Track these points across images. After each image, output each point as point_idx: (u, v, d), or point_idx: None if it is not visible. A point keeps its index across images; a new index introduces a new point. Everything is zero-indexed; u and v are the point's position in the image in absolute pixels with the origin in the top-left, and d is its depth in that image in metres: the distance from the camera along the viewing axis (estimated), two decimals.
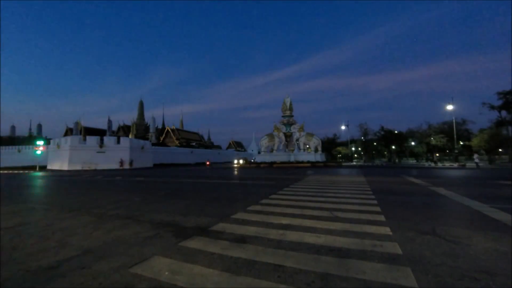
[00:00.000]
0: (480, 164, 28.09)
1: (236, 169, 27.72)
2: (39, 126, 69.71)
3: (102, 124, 66.64)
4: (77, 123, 56.15)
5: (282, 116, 41.41)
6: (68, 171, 30.06)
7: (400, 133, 53.32)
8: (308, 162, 34.34)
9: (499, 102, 35.78)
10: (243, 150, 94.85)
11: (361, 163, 49.09)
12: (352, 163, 45.66)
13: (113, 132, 60.13)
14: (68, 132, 56.40)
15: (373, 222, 4.38)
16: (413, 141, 50.79)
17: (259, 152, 43.92)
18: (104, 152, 35.96)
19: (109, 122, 59.25)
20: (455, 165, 30.91)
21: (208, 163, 50.77)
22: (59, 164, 35.28)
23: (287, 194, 7.70)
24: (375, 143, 56.67)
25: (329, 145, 60.92)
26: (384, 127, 53.75)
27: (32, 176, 21.12)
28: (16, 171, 30.82)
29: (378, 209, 5.45)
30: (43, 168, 35.71)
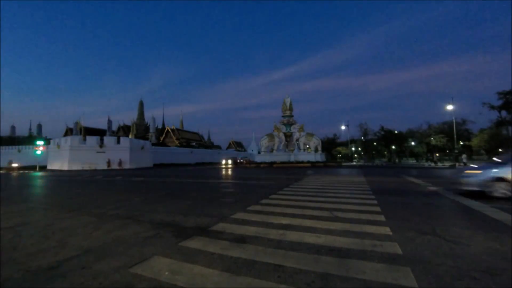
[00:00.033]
0: (468, 164, 29.12)
1: (236, 170, 27.72)
2: (39, 126, 69.78)
3: (102, 124, 66.70)
4: (77, 123, 56.14)
5: (282, 116, 41.43)
6: (68, 171, 30.06)
7: (400, 133, 53.38)
8: (308, 162, 34.36)
9: (499, 102, 35.85)
10: (243, 150, 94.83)
11: (361, 163, 49.09)
12: (352, 163, 45.66)
13: (113, 132, 60.13)
14: (68, 132, 56.40)
15: (373, 222, 4.38)
16: (413, 141, 50.83)
17: (259, 152, 43.94)
18: (104, 152, 35.97)
19: (109, 122, 59.27)
20: (447, 165, 31.51)
21: None
22: (59, 164, 35.29)
23: (287, 194, 7.70)
24: (375, 143, 56.76)
25: (329, 145, 60.98)
26: (384, 127, 53.89)
27: (32, 176, 21.12)
28: (15, 171, 30.81)
29: (378, 209, 5.45)
30: (43, 168, 35.71)
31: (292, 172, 20.35)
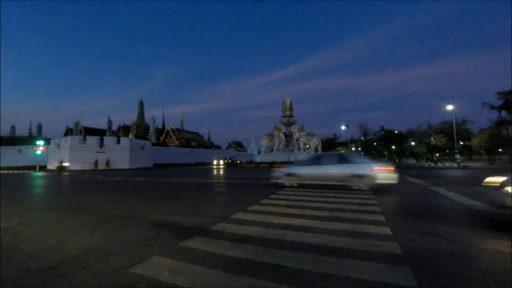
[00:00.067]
0: (462, 164, 29.44)
1: (236, 170, 27.71)
2: (39, 126, 69.70)
3: (102, 124, 66.67)
4: (77, 123, 56.15)
5: (282, 116, 41.43)
6: (68, 171, 30.05)
7: (400, 133, 53.36)
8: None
9: (499, 102, 35.82)
10: (243, 150, 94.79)
11: None
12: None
13: (113, 132, 60.11)
14: (68, 132, 56.39)
15: (373, 222, 4.38)
16: (413, 141, 50.81)
17: (259, 152, 43.92)
18: (104, 152, 35.95)
19: (109, 122, 59.26)
20: (447, 165, 31.72)
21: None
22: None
23: (287, 194, 7.70)
24: (375, 143, 56.73)
25: (329, 145, 60.96)
26: (384, 127, 53.87)
27: (32, 176, 21.12)
28: (16, 171, 30.81)
29: (378, 209, 5.45)
30: (43, 168, 35.69)
31: None
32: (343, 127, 55.73)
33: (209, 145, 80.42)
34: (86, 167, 33.77)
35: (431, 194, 7.66)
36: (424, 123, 55.37)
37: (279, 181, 9.96)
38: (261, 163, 36.71)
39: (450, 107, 32.30)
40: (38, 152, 35.17)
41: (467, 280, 2.32)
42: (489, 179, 5.30)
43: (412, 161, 56.04)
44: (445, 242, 3.34)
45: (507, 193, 3.87)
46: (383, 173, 8.36)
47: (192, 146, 64.79)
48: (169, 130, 66.89)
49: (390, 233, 3.74)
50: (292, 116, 41.41)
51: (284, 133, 39.95)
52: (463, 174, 18.00)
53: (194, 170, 26.90)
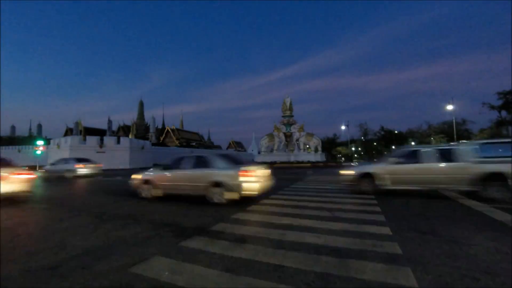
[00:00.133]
0: None
1: None
2: (39, 126, 69.75)
3: (102, 124, 66.66)
4: (77, 123, 56.05)
5: (282, 116, 41.40)
6: None
7: (400, 133, 53.38)
8: (308, 162, 34.34)
9: (499, 102, 35.82)
10: (243, 150, 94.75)
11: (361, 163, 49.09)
12: (352, 163, 45.67)
13: (113, 132, 60.10)
14: (68, 132, 56.37)
15: (373, 222, 4.38)
16: (413, 141, 50.81)
17: (259, 152, 43.90)
18: (104, 152, 35.97)
19: (109, 122, 59.25)
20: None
21: None
22: None
23: (287, 194, 7.70)
24: (375, 143, 56.74)
25: (329, 145, 60.97)
26: (384, 127, 53.93)
27: None
28: None
29: (378, 209, 5.45)
30: (43, 168, 35.69)
31: (292, 172, 20.34)
32: (343, 127, 55.76)
33: (209, 145, 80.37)
34: None
35: (431, 194, 7.65)
36: (424, 123, 55.44)
37: (138, 191, 7.63)
38: (261, 163, 36.66)
39: (450, 107, 32.30)
40: (38, 152, 35.15)
41: (467, 280, 2.32)
42: (343, 171, 8.45)
43: None
44: (445, 242, 3.34)
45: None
46: (249, 180, 6.13)
47: (192, 146, 64.78)
48: (169, 130, 66.87)
49: (390, 233, 3.74)
50: (292, 116, 41.38)
51: (284, 133, 39.93)
52: None
53: None
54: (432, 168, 6.92)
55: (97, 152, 35.62)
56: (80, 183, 13.37)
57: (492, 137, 36.89)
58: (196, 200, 6.95)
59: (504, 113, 36.14)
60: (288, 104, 41.35)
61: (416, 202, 6.38)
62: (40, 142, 36.84)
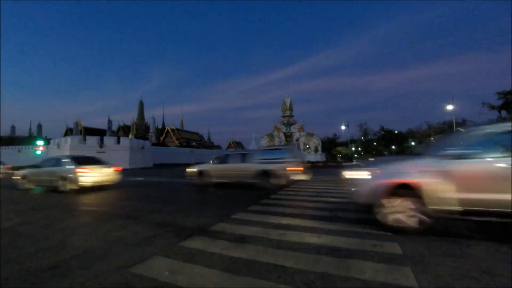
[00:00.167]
0: None
1: None
2: (39, 126, 69.69)
3: (102, 124, 66.63)
4: (77, 123, 56.07)
5: (282, 116, 41.41)
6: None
7: (400, 133, 53.35)
8: (308, 162, 34.34)
9: (499, 102, 35.82)
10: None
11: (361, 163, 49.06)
12: (352, 163, 45.67)
13: (113, 132, 60.08)
14: (68, 132, 56.37)
15: (373, 222, 4.37)
16: (413, 141, 50.81)
17: None
18: (104, 152, 35.96)
19: (109, 122, 59.22)
20: None
21: None
22: None
23: (287, 194, 7.70)
24: (375, 143, 56.71)
25: (329, 145, 60.93)
26: (384, 127, 53.88)
27: None
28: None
29: None
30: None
31: None
32: (343, 127, 55.72)
33: (209, 145, 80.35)
34: None
35: None
36: (424, 123, 55.29)
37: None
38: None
39: (450, 107, 32.32)
40: (38, 152, 35.18)
41: (467, 280, 2.32)
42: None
43: None
44: (445, 241, 3.33)
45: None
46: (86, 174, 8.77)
47: (192, 146, 64.78)
48: (169, 130, 66.86)
49: (390, 233, 3.74)
50: (292, 116, 41.39)
51: (284, 133, 39.95)
52: None
53: None
54: (234, 167, 9.59)
55: (97, 152, 35.60)
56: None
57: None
58: (196, 200, 6.94)
59: (504, 113, 36.13)
60: (288, 104, 41.36)
61: None
62: (40, 142, 36.89)
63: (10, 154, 42.25)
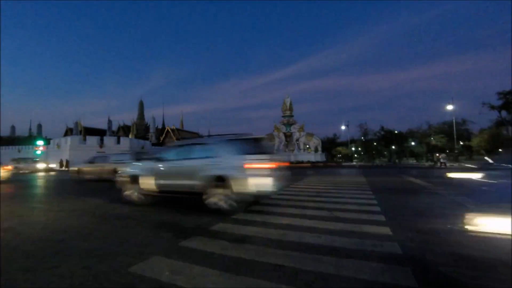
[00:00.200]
0: (448, 164, 29.43)
1: None
2: (39, 126, 69.70)
3: (102, 124, 66.63)
4: (77, 123, 56.06)
5: (282, 116, 41.46)
6: (68, 171, 30.04)
7: (400, 133, 53.34)
8: (308, 162, 34.37)
9: (499, 102, 35.83)
10: None
11: (361, 163, 49.12)
12: (352, 163, 45.68)
13: (113, 132, 60.07)
14: (68, 132, 56.35)
15: (373, 222, 4.38)
16: (413, 141, 50.80)
17: None
18: (104, 152, 35.97)
19: (109, 122, 59.20)
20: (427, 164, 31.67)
21: None
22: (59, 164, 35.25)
23: (287, 194, 7.70)
24: (375, 143, 56.68)
25: (329, 145, 60.92)
26: (384, 127, 53.82)
27: (32, 176, 21.11)
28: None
29: (378, 209, 5.45)
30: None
31: (292, 172, 20.35)
32: (343, 127, 55.78)
33: None
34: None
35: (431, 194, 7.66)
36: (424, 123, 55.28)
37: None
38: None
39: (450, 107, 32.36)
40: (38, 152, 35.17)
41: (467, 280, 2.32)
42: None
43: (412, 161, 56.02)
44: (445, 242, 3.34)
45: None
46: None
47: None
48: (169, 130, 66.84)
49: (390, 233, 3.74)
50: (292, 116, 41.45)
51: (284, 133, 40.00)
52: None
53: None
54: (100, 166, 13.39)
55: (97, 152, 35.62)
56: None
57: (491, 137, 36.94)
58: (196, 200, 6.93)
59: (504, 113, 36.16)
60: (288, 104, 41.41)
61: (416, 201, 6.38)
62: (40, 142, 36.89)
63: (10, 154, 42.23)
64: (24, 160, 27.96)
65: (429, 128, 48.43)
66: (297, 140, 39.16)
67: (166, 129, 67.67)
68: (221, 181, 5.15)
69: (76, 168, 14.72)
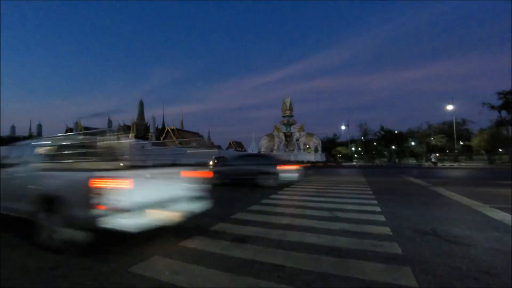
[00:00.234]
0: (438, 164, 29.25)
1: None
2: (39, 126, 69.75)
3: (102, 124, 66.58)
4: (77, 123, 56.12)
5: (282, 116, 41.46)
6: None
7: (400, 133, 53.32)
8: (308, 162, 34.37)
9: (499, 102, 35.80)
10: (243, 150, 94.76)
11: (361, 163, 49.13)
12: (352, 163, 45.69)
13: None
14: (68, 132, 56.45)
15: (373, 222, 4.38)
16: (413, 141, 50.79)
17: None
18: None
19: (109, 122, 59.23)
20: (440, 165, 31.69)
21: None
22: None
23: (287, 194, 7.70)
24: (375, 143, 56.67)
25: (329, 145, 60.86)
26: (384, 127, 53.80)
27: None
28: None
29: (378, 209, 5.45)
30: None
31: None
32: (343, 127, 55.80)
33: (209, 145, 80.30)
34: None
35: (432, 194, 7.66)
36: (424, 123, 55.19)
37: None
38: None
39: (450, 107, 32.38)
40: None
41: (467, 280, 2.32)
42: None
43: (412, 161, 56.06)
44: (445, 242, 3.34)
45: None
46: None
47: None
48: (169, 130, 66.87)
49: (390, 233, 3.74)
50: (292, 116, 41.46)
51: (284, 133, 40.01)
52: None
53: None
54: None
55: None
56: None
57: (491, 137, 36.92)
58: None
59: (504, 113, 36.12)
60: (288, 104, 41.41)
61: (416, 201, 6.38)
62: None
63: None
64: None
65: (429, 128, 48.42)
66: (297, 140, 39.17)
67: (166, 129, 67.72)
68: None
69: None
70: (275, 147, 39.43)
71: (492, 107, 36.49)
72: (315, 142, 38.55)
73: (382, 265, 2.63)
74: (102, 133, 3.86)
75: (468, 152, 47.48)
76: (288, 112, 41.24)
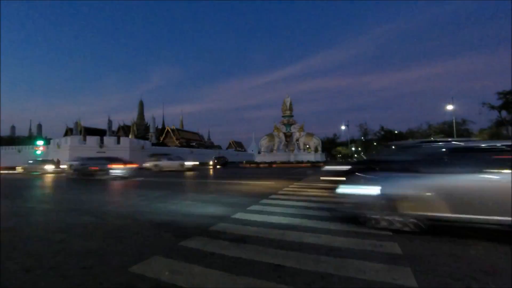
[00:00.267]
0: None
1: (235, 170, 27.69)
2: (39, 126, 69.78)
3: (102, 124, 66.65)
4: (77, 123, 56.10)
5: (282, 116, 41.40)
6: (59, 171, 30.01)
7: (400, 133, 53.33)
8: (308, 162, 34.34)
9: (499, 102, 35.78)
10: (243, 150, 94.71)
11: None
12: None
13: (113, 132, 60.07)
14: (68, 132, 56.35)
15: None
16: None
17: (259, 152, 43.86)
18: (104, 152, 35.97)
19: (109, 122, 59.21)
20: None
21: None
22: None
23: (287, 194, 7.70)
24: (375, 143, 56.68)
25: (329, 145, 60.95)
26: (384, 127, 53.87)
27: (32, 176, 21.11)
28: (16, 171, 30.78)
29: None
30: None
31: (292, 172, 20.34)
32: (343, 127, 55.71)
33: (209, 145, 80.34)
34: None
35: None
36: (424, 123, 55.32)
37: None
38: (261, 163, 36.69)
39: (450, 107, 32.29)
40: (38, 152, 35.18)
41: (467, 280, 2.32)
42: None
43: None
44: (445, 242, 3.34)
45: None
46: None
47: (192, 146, 64.76)
48: (169, 130, 66.87)
49: (390, 233, 3.74)
50: (292, 116, 41.40)
51: (284, 133, 39.96)
52: None
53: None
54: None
55: (97, 152, 35.63)
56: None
57: (491, 137, 36.87)
58: (196, 200, 6.92)
59: (504, 113, 36.10)
60: (288, 104, 41.35)
61: None
62: (40, 142, 36.92)
63: (10, 154, 42.21)
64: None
65: (429, 128, 48.40)
66: (297, 140, 39.12)
67: (166, 129, 67.70)
68: None
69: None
70: (275, 147, 39.37)
71: (492, 107, 36.47)
72: (315, 142, 38.48)
73: (382, 265, 2.63)
74: None
75: None
76: (288, 112, 41.18)
